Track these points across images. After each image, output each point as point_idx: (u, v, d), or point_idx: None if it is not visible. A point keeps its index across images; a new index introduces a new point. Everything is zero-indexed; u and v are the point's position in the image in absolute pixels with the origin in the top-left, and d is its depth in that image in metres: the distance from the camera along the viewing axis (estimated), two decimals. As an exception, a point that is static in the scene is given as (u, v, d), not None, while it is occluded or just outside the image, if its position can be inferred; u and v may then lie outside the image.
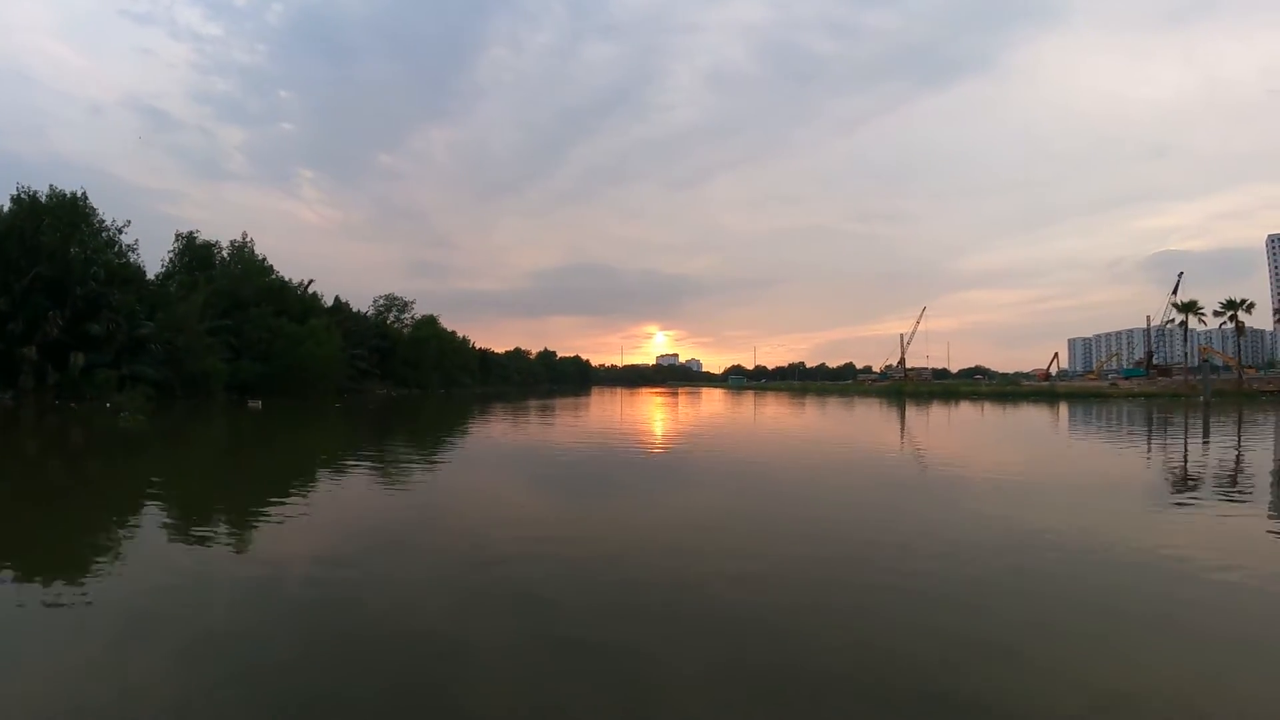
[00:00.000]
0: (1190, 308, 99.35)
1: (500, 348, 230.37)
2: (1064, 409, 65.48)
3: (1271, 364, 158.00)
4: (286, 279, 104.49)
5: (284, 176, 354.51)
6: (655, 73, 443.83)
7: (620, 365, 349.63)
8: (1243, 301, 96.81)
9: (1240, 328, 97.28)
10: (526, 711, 5.92)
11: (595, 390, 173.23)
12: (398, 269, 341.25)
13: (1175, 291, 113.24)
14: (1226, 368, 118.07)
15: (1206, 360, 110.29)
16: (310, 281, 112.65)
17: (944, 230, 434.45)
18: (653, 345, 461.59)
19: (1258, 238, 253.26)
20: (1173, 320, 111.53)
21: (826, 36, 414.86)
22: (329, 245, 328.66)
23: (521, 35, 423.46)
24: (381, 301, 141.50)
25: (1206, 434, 36.12)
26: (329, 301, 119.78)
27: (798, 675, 6.61)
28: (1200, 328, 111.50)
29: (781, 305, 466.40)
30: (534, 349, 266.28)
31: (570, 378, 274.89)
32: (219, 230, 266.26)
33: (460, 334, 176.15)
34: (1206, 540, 12.07)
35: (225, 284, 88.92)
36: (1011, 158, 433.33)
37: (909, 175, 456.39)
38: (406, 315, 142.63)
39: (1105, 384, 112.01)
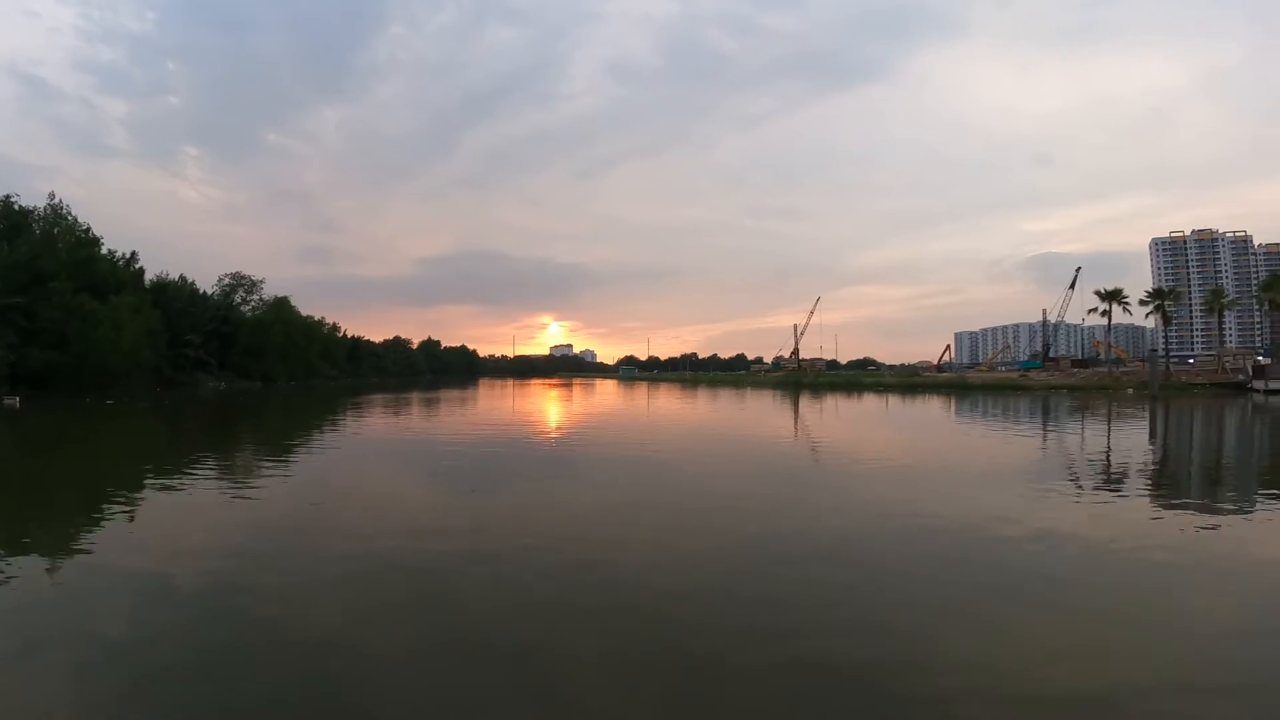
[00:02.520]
0: (1115, 295, 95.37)
1: (387, 337, 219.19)
2: (1024, 403, 60.56)
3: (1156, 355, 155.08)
4: (112, 252, 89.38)
5: (167, 154, 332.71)
6: (557, 60, 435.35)
7: (511, 356, 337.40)
8: (1170, 291, 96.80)
9: (1166, 318, 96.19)
10: (433, 710, 5.96)
11: (483, 382, 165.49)
12: (283, 254, 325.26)
13: (1073, 286, 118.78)
14: (1118, 360, 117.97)
15: (1103, 353, 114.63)
16: (133, 254, 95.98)
17: (836, 228, 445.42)
18: (547, 336, 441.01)
19: (1134, 242, 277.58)
20: (1066, 317, 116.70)
21: (728, 35, 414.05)
22: (211, 228, 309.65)
23: (421, 14, 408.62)
24: (227, 280, 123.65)
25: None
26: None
27: (701, 661, 6.83)
28: (1085, 323, 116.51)
29: (677, 297, 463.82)
30: (423, 338, 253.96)
31: (455, 369, 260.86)
32: (95, 210, 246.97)
33: (331, 320, 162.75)
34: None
35: (24, 255, 72.84)
36: (904, 161, 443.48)
37: (804, 174, 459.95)
38: (255, 296, 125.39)
39: (1016, 375, 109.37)
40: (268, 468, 21.01)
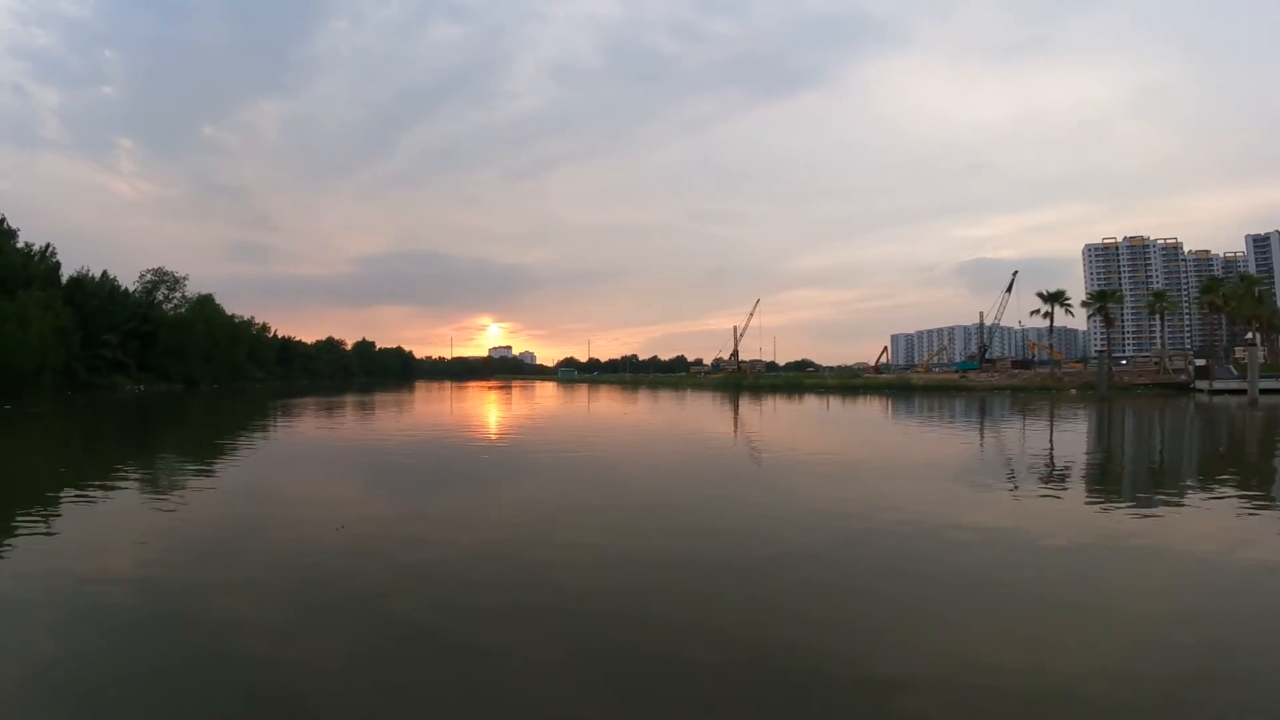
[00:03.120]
0: (1057, 298, 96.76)
1: (320, 338, 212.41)
2: (983, 404, 60.25)
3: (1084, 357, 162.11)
4: (29, 245, 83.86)
5: (101, 145, 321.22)
6: (500, 59, 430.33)
7: (449, 358, 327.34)
8: (1113, 293, 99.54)
9: (1109, 320, 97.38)
10: (377, 717, 5.82)
11: (420, 385, 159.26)
12: (216, 251, 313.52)
13: (1009, 290, 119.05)
14: (1054, 361, 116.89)
15: (1038, 354, 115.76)
16: (48, 247, 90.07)
17: (775, 232, 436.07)
18: (486, 337, 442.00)
19: (1066, 249, 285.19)
20: (1002, 320, 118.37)
21: (672, 38, 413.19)
22: (143, 223, 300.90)
23: (365, 8, 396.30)
24: (149, 277, 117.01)
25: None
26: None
27: (644, 659, 6.88)
28: (1021, 326, 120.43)
29: (618, 299, 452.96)
30: (358, 339, 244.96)
31: (391, 371, 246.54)
32: (23, 203, 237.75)
33: (261, 320, 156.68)
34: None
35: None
36: (842, 167, 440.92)
37: (745, 178, 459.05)
38: (177, 294, 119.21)
39: (956, 376, 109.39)
40: (181, 478, 19.22)
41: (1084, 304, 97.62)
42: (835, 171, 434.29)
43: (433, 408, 61.74)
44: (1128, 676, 6.58)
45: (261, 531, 12.51)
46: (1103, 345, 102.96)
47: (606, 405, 64.99)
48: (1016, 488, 17.21)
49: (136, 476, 19.38)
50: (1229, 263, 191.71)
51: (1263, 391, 55.84)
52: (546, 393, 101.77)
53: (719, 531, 12.37)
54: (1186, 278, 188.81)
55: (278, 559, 10.53)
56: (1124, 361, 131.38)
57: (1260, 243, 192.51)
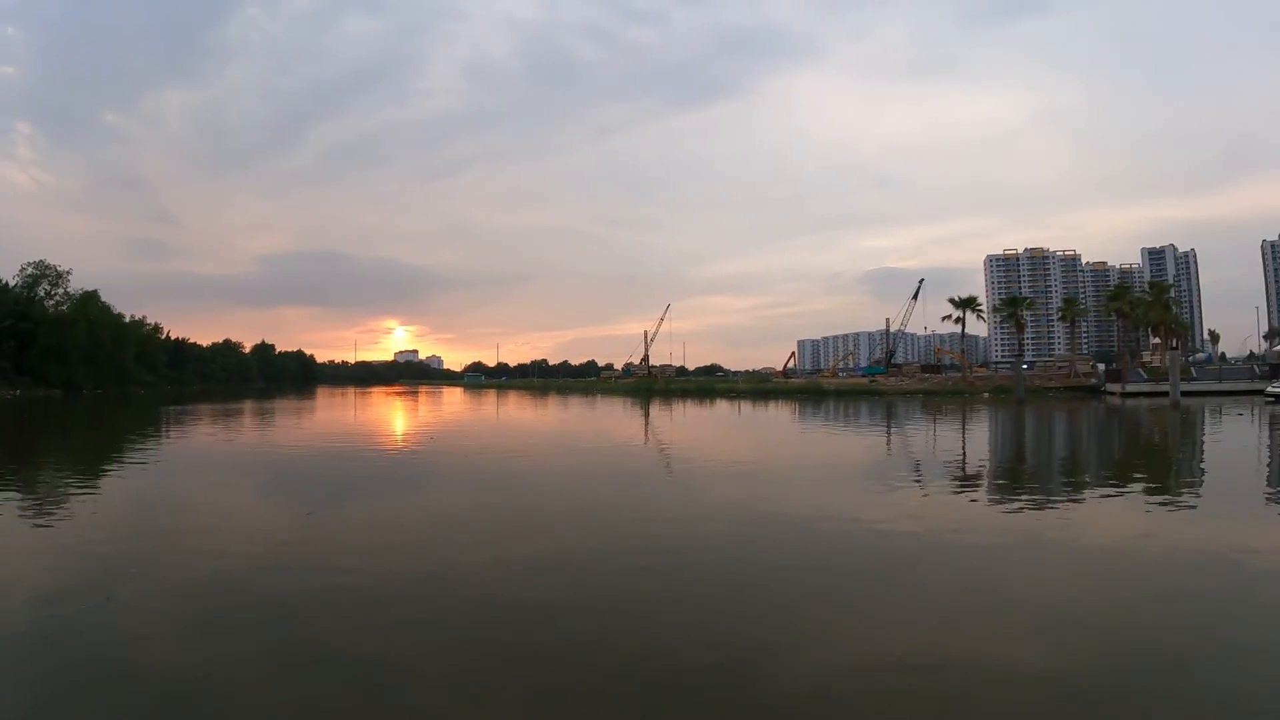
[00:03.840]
0: (969, 303, 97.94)
1: (217, 340, 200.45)
2: (903, 409, 60.51)
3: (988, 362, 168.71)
4: None
5: None
6: (415, 56, 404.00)
7: (352, 362, 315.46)
8: (1025, 299, 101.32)
9: (1020, 325, 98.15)
10: None
11: (321, 390, 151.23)
12: (114, 246, 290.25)
13: (915, 297, 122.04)
14: (957, 365, 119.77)
15: (945, 359, 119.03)
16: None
17: (687, 239, 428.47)
18: (391, 341, 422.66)
19: (968, 260, 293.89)
20: (908, 326, 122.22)
21: (590, 43, 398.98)
22: (39, 215, 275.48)
23: None
24: (29, 270, 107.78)
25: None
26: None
27: (554, 661, 6.93)
28: (927, 331, 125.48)
29: (527, 303, 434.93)
30: (257, 342, 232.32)
31: (291, 375, 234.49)
32: None
33: (154, 320, 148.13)
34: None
35: None
36: (752, 177, 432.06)
37: (658, 185, 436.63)
38: (60, 290, 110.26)
39: (867, 381, 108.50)
40: (57, 496, 17.31)
41: (996, 309, 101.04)
42: (747, 181, 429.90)
43: (335, 415, 59.81)
44: (1033, 663, 6.85)
45: (155, 550, 11.79)
46: (1009, 350, 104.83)
47: (515, 411, 64.02)
48: (950, 487, 18.03)
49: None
50: (1125, 273, 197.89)
51: (1164, 394, 56.33)
52: (454, 399, 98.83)
53: (635, 535, 12.57)
54: (1084, 287, 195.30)
55: (173, 577, 9.94)
56: (1026, 366, 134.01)
57: (1155, 255, 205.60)
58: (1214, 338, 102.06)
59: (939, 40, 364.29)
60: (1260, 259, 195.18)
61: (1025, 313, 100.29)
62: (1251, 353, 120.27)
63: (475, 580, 9.73)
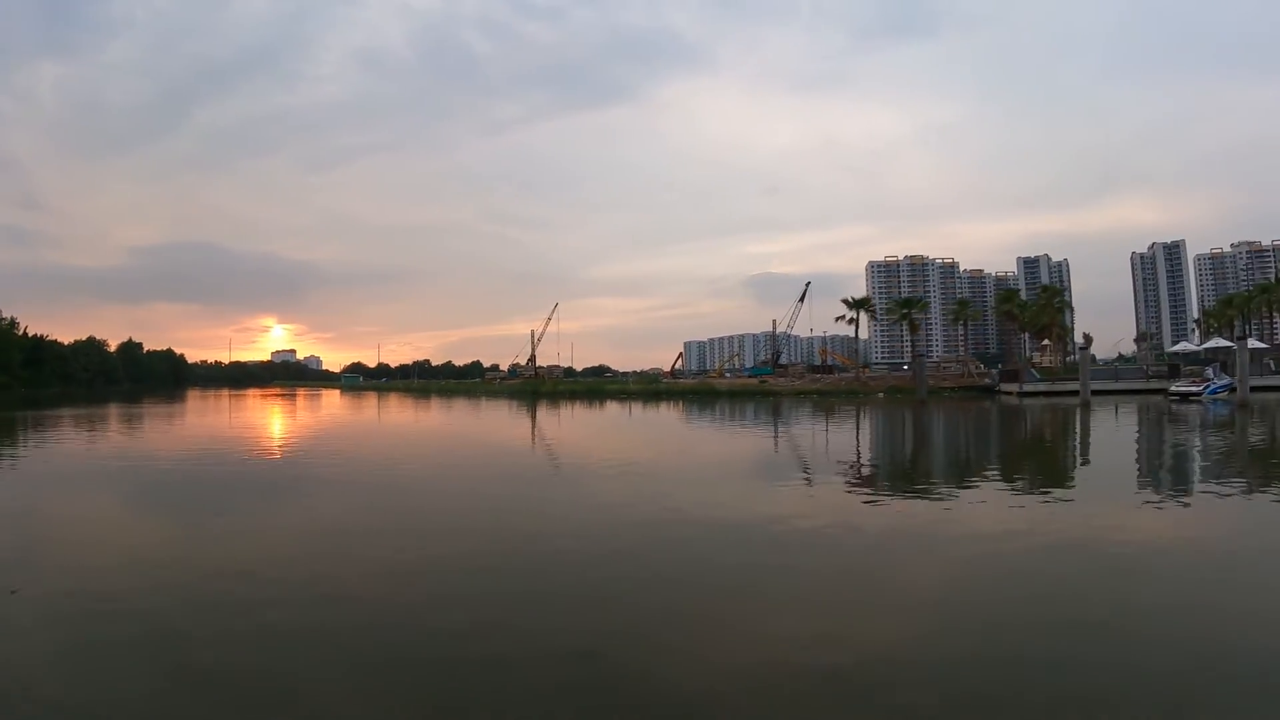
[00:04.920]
0: (863, 304, 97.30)
1: (80, 337, 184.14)
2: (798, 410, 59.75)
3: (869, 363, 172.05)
4: None
5: None
6: (307, 40, 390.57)
7: (226, 362, 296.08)
8: (918, 300, 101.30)
9: (913, 326, 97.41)
10: None
11: (193, 392, 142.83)
12: None
13: (802, 300, 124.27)
14: (842, 367, 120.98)
15: (825, 360, 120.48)
16: None
17: (575, 239, 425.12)
18: (269, 340, 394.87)
19: (850, 266, 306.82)
20: (795, 328, 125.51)
21: (486, 37, 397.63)
22: None
23: None
24: None
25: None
26: None
27: (440, 665, 6.90)
28: (813, 333, 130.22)
29: (412, 301, 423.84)
30: (124, 339, 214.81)
31: (160, 376, 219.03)
32: None
33: (10, 315, 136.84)
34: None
35: None
36: (642, 180, 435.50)
37: (547, 184, 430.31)
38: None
39: (757, 382, 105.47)
40: None
41: (888, 311, 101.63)
42: (638, 184, 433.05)
43: (207, 419, 56.04)
44: (920, 654, 7.13)
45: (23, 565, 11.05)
46: (890, 352, 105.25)
47: (396, 415, 60.96)
48: (838, 482, 18.87)
49: None
50: (1000, 281, 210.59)
51: (1071, 393, 56.90)
52: (331, 402, 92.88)
53: (523, 535, 12.65)
54: (961, 293, 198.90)
55: (47, 594, 9.38)
56: (904, 367, 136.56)
57: (1030, 264, 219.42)
58: (1087, 341, 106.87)
59: (831, 55, 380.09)
60: (1130, 269, 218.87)
61: (920, 316, 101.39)
62: (1120, 354, 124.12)
63: (364, 588, 9.43)
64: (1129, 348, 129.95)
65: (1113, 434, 34.28)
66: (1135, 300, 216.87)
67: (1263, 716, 5.88)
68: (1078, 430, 36.24)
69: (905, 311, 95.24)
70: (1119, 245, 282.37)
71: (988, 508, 14.94)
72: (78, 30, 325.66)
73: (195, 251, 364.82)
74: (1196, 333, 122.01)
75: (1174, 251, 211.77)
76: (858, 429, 39.38)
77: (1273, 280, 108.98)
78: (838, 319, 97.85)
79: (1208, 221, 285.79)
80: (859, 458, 25.64)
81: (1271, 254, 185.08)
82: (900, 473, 22.05)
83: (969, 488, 18.16)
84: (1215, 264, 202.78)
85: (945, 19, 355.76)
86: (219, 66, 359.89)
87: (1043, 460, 25.30)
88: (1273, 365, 65.77)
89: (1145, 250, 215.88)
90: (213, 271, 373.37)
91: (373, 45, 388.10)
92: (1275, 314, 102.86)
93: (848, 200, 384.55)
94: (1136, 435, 33.67)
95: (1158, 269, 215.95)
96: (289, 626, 7.98)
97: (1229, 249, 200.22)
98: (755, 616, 8.12)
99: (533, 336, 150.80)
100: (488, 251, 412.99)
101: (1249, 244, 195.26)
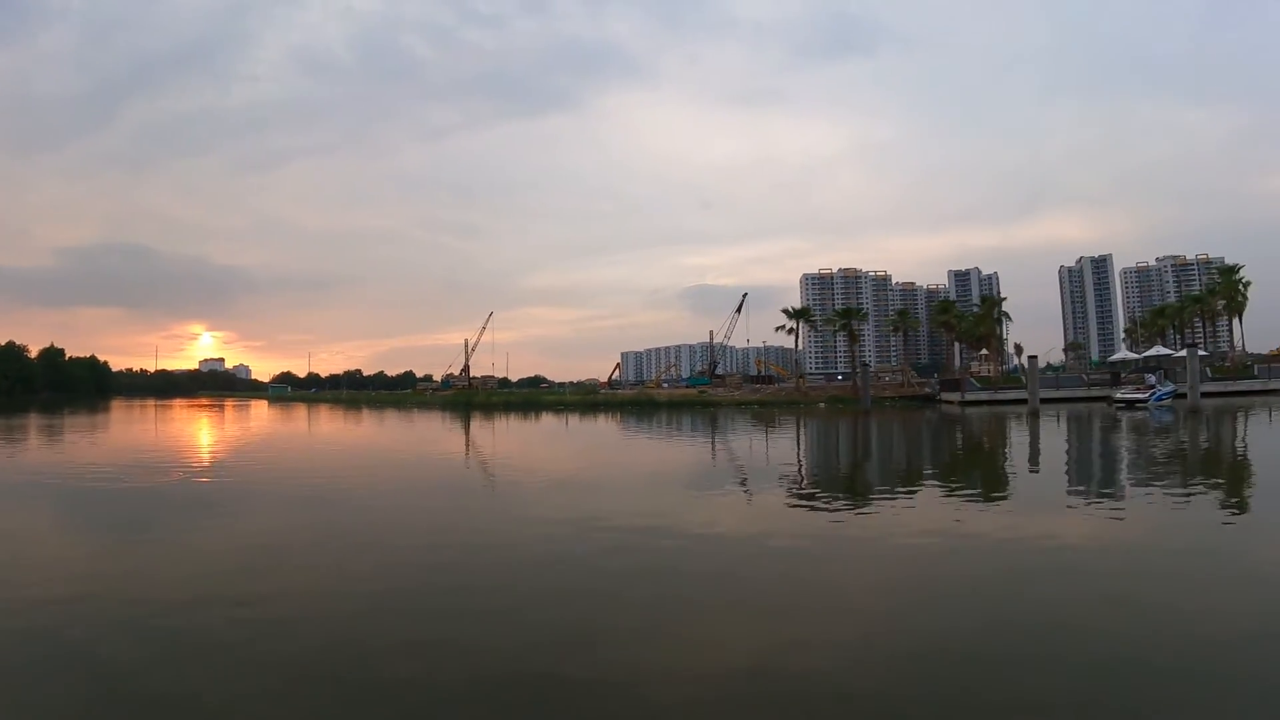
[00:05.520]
0: (803, 314, 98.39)
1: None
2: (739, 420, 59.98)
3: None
4: None
5: None
6: (245, 38, 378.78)
7: (153, 370, 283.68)
8: (858, 310, 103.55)
9: (853, 336, 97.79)
10: None
11: (118, 402, 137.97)
12: None
13: (739, 311, 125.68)
14: (779, 377, 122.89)
15: (763, 370, 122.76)
16: None
17: (512, 248, 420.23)
18: (197, 348, 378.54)
19: (784, 278, 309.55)
20: (731, 338, 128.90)
21: (426, 42, 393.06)
22: None
23: None
24: None
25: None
26: None
27: (371, 686, 6.72)
28: (747, 344, 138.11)
29: (344, 309, 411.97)
30: (46, 345, 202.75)
31: (82, 385, 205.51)
32: None
33: None
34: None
35: None
36: (580, 191, 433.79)
37: (483, 192, 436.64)
38: None
39: (696, 392, 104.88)
40: None
41: (828, 321, 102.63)
42: (575, 194, 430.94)
43: (131, 430, 53.86)
44: (860, 654, 7.41)
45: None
46: (824, 363, 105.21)
47: (322, 428, 58.93)
48: (821, 497, 18.88)
49: None
50: (931, 293, 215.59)
51: (1014, 401, 57.57)
52: (258, 414, 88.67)
53: (459, 550, 12.43)
54: (893, 305, 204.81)
55: None
56: (839, 377, 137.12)
57: (961, 277, 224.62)
58: (1019, 350, 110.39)
59: (770, 71, 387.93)
60: (1058, 282, 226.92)
61: (841, 326, 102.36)
62: (1049, 364, 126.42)
63: (294, 607, 9.14)
64: (1058, 357, 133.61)
65: (1071, 441, 34.48)
66: (1063, 312, 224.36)
67: (1184, 699, 6.27)
68: (1041, 438, 35.92)
69: (845, 321, 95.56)
70: (1047, 259, 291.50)
71: (939, 511, 15.56)
72: (8, 16, 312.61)
73: (124, 254, 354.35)
74: (1128, 342, 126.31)
75: (1101, 265, 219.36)
76: (818, 439, 38.88)
77: (1199, 291, 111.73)
78: (778, 329, 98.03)
79: (1132, 237, 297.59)
80: (830, 468, 25.66)
81: (1196, 267, 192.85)
82: (866, 480, 22.17)
83: (916, 493, 18.75)
84: (1141, 277, 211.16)
85: (884, 39, 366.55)
86: (154, 61, 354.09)
87: (1000, 468, 25.11)
88: (1208, 372, 66.35)
89: (1073, 264, 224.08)
90: (141, 275, 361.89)
91: (312, 46, 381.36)
92: (1208, 323, 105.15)
93: (782, 214, 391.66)
94: (1093, 442, 33.52)
95: (1085, 282, 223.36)
96: (212, 645, 7.75)
97: (1154, 263, 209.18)
98: (699, 624, 8.31)
99: (467, 346, 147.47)
100: (423, 259, 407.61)
101: (1174, 258, 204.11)
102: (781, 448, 34.70)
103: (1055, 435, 37.26)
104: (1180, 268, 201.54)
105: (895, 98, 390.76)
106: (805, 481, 21.83)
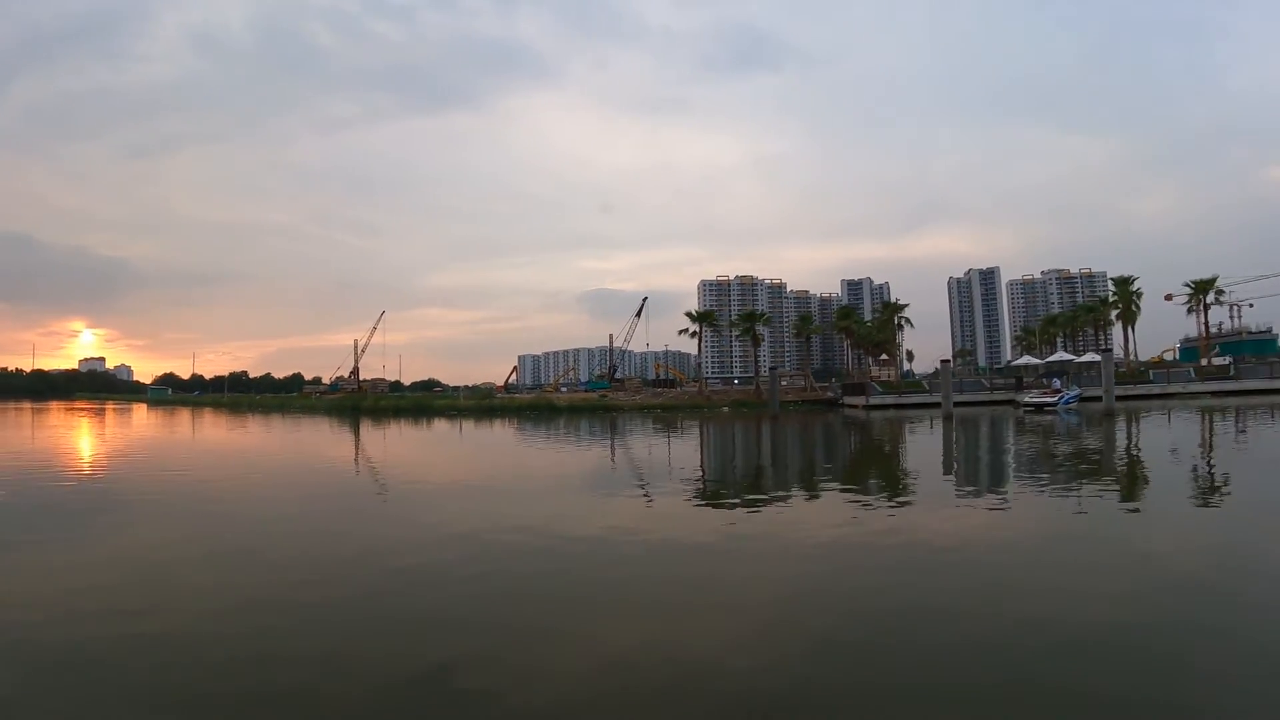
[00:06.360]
0: (707, 318, 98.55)
1: None
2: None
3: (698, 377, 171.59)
4: None
5: None
6: (142, 14, 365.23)
7: (28, 370, 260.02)
8: (760, 315, 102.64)
9: (756, 340, 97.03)
10: None
11: None
12: None
13: (639, 315, 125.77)
14: (674, 380, 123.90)
15: (661, 374, 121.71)
16: None
17: (408, 247, 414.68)
18: (78, 346, 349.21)
19: (682, 285, 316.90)
20: (631, 343, 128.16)
21: (331, 30, 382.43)
22: None
23: None
24: None
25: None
26: None
27: (263, 701, 6.44)
28: (647, 348, 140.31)
29: (231, 307, 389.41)
30: None
31: None
32: None
33: None
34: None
35: None
36: (480, 191, 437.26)
37: (381, 188, 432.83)
38: None
39: (596, 396, 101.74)
40: None
41: (731, 325, 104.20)
42: (473, 194, 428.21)
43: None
44: (758, 651, 7.40)
45: None
46: (719, 368, 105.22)
47: (194, 434, 54.52)
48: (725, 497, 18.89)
49: None
50: (825, 301, 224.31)
51: (919, 405, 57.99)
52: (138, 419, 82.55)
53: (351, 559, 11.94)
54: (787, 312, 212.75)
55: None
56: (736, 381, 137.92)
57: (854, 286, 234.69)
58: (910, 356, 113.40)
59: (676, 81, 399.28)
60: (947, 292, 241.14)
61: (737, 331, 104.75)
62: (936, 369, 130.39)
63: (179, 624, 8.54)
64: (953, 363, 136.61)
65: (992, 444, 34.42)
66: (951, 320, 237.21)
67: (1066, 674, 6.55)
68: (961, 441, 35.81)
69: (749, 325, 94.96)
70: (936, 270, 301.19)
71: (846, 511, 15.51)
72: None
73: (3, 243, 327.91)
74: (1018, 348, 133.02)
75: (989, 277, 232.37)
76: (736, 444, 37.88)
77: (1086, 301, 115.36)
78: (681, 332, 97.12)
79: (1015, 251, 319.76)
80: (749, 471, 25.22)
81: (1079, 280, 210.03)
82: (782, 481, 22.28)
83: (850, 493, 18.72)
84: (1026, 289, 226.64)
85: (789, 56, 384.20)
86: (44, 35, 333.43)
87: (920, 470, 24.85)
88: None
89: (962, 275, 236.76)
90: (18, 266, 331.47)
91: (211, 26, 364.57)
92: (1098, 331, 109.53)
93: (682, 222, 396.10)
94: (1014, 444, 32.99)
95: (974, 292, 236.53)
96: (89, 663, 7.29)
97: (1040, 275, 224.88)
98: (598, 627, 8.26)
99: (356, 347, 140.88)
100: (315, 255, 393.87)
101: (1058, 271, 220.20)
102: (689, 452, 34.53)
103: (974, 438, 37.18)
104: (1064, 280, 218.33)
105: (794, 113, 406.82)
106: (725, 484, 22.03)
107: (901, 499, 17.43)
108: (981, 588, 9.38)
